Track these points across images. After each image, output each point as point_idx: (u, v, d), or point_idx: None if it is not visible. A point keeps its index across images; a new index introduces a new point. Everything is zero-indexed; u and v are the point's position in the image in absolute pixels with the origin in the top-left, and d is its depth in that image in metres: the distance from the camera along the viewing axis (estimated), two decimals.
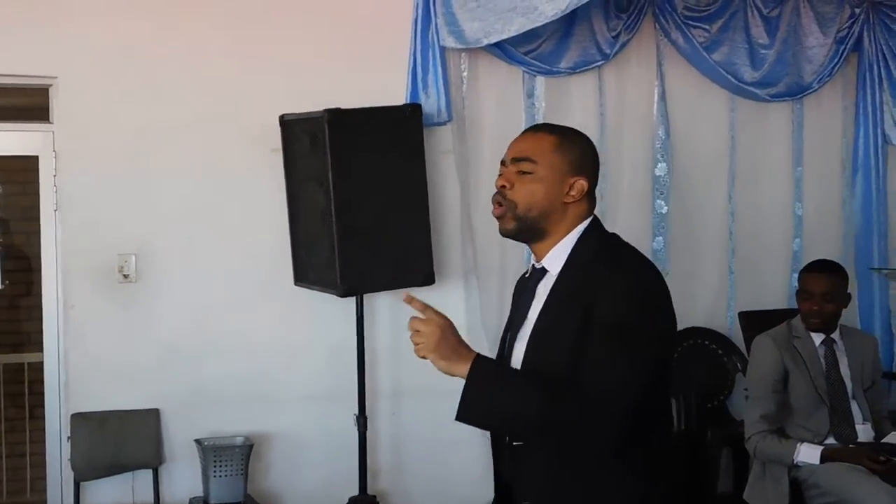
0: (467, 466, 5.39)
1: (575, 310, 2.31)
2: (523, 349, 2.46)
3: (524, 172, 2.39)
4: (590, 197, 2.48)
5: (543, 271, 2.49)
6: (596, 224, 2.51)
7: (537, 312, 2.46)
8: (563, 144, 2.44)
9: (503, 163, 2.48)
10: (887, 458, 4.42)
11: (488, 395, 2.30)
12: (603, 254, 2.43)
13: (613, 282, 2.32)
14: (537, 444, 2.41)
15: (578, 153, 2.47)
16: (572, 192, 2.42)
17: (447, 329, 2.32)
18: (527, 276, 2.63)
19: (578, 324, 2.29)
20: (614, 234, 2.55)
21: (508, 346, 2.57)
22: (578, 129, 2.57)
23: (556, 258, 2.45)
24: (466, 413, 2.29)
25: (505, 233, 2.46)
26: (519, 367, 2.46)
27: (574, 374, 2.27)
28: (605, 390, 2.21)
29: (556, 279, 2.44)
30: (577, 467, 2.37)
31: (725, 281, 6.12)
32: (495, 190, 2.44)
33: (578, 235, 2.45)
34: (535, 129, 2.65)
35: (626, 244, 2.52)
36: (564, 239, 2.45)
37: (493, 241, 5.26)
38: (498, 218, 2.44)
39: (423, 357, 2.31)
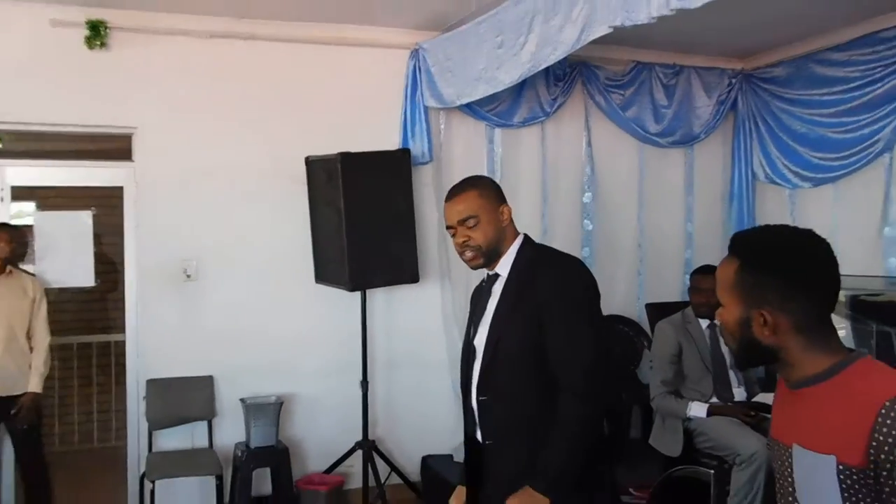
0: (442, 418, 5.46)
1: (526, 299, 2.47)
2: (486, 332, 2.55)
3: (473, 226, 2.53)
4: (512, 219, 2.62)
5: (496, 276, 2.60)
6: (528, 238, 2.65)
7: (495, 305, 2.56)
8: (482, 190, 2.60)
9: (451, 227, 2.60)
10: (756, 413, 4.46)
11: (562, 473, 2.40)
12: (540, 256, 2.59)
13: (558, 275, 2.50)
14: (497, 402, 2.52)
15: (492, 191, 2.63)
16: (505, 217, 2.59)
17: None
18: (483, 284, 2.69)
19: (529, 310, 2.44)
20: (537, 243, 2.68)
21: (473, 332, 2.64)
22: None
23: (504, 265, 2.58)
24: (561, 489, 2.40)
25: (477, 267, 2.61)
26: (483, 345, 2.56)
27: (543, 359, 2.43)
28: (589, 359, 2.41)
29: (507, 279, 2.56)
30: (523, 415, 2.49)
31: (635, 280, 6.15)
32: (458, 245, 2.59)
33: (517, 247, 2.60)
34: (458, 192, 2.63)
35: (555, 249, 2.70)
36: (508, 251, 2.59)
37: None
38: (469, 260, 2.58)
39: None
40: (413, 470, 5.58)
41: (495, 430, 2.55)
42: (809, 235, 1.65)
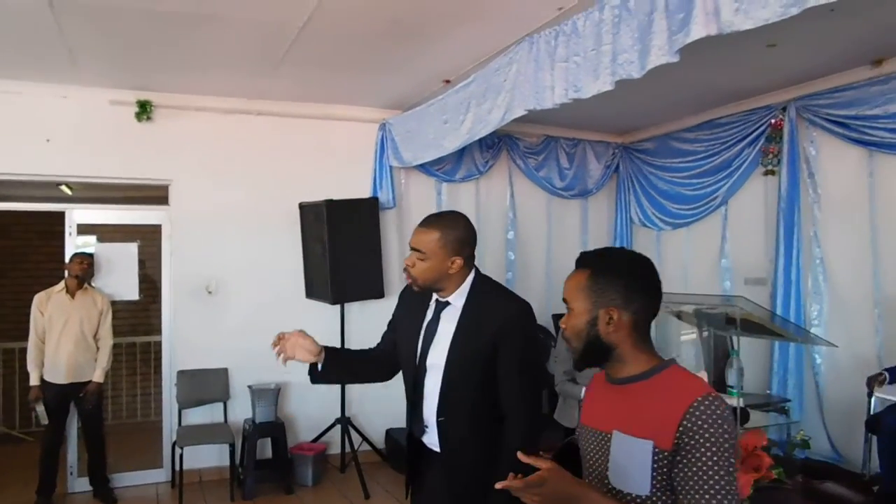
0: (401, 400, 5.30)
1: (483, 333, 2.06)
2: (444, 357, 2.11)
3: (420, 258, 2.09)
4: (468, 262, 2.14)
5: (447, 304, 2.15)
6: (479, 274, 2.18)
7: (451, 333, 2.12)
8: (445, 235, 2.08)
9: (411, 246, 2.15)
10: None
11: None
12: (492, 291, 2.16)
13: (511, 311, 2.09)
14: (455, 421, 2.12)
15: (453, 240, 2.10)
16: (454, 267, 2.10)
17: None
18: (430, 302, 2.21)
19: (486, 343, 2.05)
20: (489, 277, 2.21)
21: (422, 352, 2.17)
22: (465, 213, 2.21)
23: (457, 298, 2.14)
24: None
25: (416, 289, 2.16)
26: (441, 368, 2.11)
27: (494, 384, 2.06)
28: (531, 392, 2.09)
29: (462, 310, 2.12)
30: (476, 430, 2.11)
31: (545, 296, 6.13)
32: (404, 266, 2.17)
33: (470, 284, 2.14)
34: (425, 226, 2.12)
35: (508, 289, 2.24)
36: (460, 288, 2.14)
37: None
38: (407, 280, 2.18)
39: None
40: (379, 440, 5.51)
41: (451, 442, 2.13)
42: (642, 255, 1.58)
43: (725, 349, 3.69)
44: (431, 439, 2.18)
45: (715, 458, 1.35)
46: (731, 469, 1.37)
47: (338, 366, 2.33)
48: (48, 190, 5.82)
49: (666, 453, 1.40)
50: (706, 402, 1.38)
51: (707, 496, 1.35)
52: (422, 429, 2.20)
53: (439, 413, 2.12)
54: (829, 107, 4.42)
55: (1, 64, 4.37)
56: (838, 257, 4.51)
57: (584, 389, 4.52)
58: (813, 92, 4.53)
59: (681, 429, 1.38)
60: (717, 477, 1.35)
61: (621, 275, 1.52)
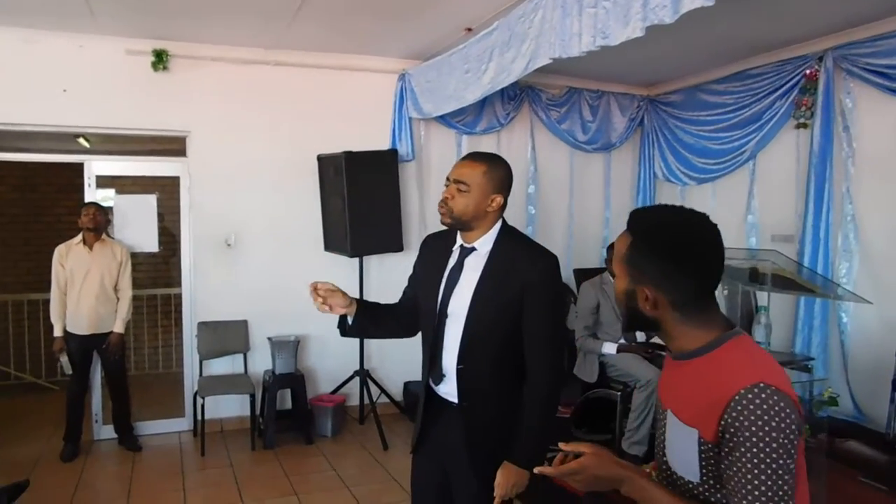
0: (419, 353, 5.35)
1: (511, 281, 2.03)
2: (467, 304, 2.07)
3: (461, 191, 2.05)
4: (503, 207, 2.12)
5: (472, 250, 2.12)
6: (505, 223, 2.15)
7: (475, 280, 2.07)
8: (491, 171, 2.06)
9: (448, 179, 2.10)
10: (652, 350, 4.46)
11: (539, 446, 2.01)
12: (525, 245, 2.11)
13: (540, 264, 2.05)
14: (475, 370, 2.08)
15: (497, 178, 2.07)
16: (493, 205, 2.07)
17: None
18: (454, 248, 2.17)
19: (513, 292, 2.02)
20: (516, 228, 2.19)
21: (444, 299, 2.13)
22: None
23: (483, 244, 2.10)
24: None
25: (445, 224, 2.13)
26: (464, 316, 2.07)
27: (517, 334, 2.04)
28: (556, 350, 2.07)
29: (489, 257, 2.08)
30: (496, 382, 2.09)
31: (566, 251, 6.09)
32: (442, 198, 2.10)
33: (497, 230, 2.11)
34: (472, 159, 2.10)
35: (527, 235, 2.21)
36: (488, 233, 2.10)
37: (435, 226, 5.20)
38: (442, 215, 2.10)
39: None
40: (397, 392, 5.55)
41: (470, 394, 2.09)
42: (698, 221, 1.34)
43: (749, 306, 3.62)
44: (448, 389, 2.14)
45: (756, 461, 1.20)
46: (779, 471, 1.20)
47: (368, 319, 2.30)
48: (67, 143, 5.82)
49: (711, 445, 1.29)
50: (749, 396, 1.21)
51: (746, 501, 1.22)
52: (440, 377, 2.15)
53: (459, 361, 2.08)
54: (869, 56, 4.22)
55: (18, 12, 4.31)
56: (871, 215, 4.37)
57: (604, 345, 4.54)
58: (853, 40, 4.34)
59: (722, 423, 1.25)
60: (756, 482, 1.20)
61: (658, 254, 1.32)
